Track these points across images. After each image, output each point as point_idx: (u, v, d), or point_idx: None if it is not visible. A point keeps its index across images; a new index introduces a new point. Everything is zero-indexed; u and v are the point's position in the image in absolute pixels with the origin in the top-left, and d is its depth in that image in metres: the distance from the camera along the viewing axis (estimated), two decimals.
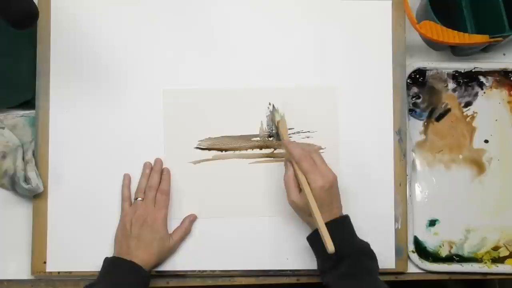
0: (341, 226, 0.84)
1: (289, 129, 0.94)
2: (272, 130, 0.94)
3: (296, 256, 0.93)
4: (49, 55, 0.94)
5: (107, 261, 0.88)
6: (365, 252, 0.84)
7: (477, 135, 0.98)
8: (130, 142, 0.94)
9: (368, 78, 0.95)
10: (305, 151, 0.85)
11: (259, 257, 0.93)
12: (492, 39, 0.89)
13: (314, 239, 0.84)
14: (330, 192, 0.83)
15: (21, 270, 0.94)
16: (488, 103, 0.99)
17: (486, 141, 0.98)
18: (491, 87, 0.99)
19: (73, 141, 0.94)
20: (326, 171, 0.84)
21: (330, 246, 0.79)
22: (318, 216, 0.81)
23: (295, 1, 0.96)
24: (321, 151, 0.92)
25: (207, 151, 0.94)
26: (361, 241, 0.85)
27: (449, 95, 0.99)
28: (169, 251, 0.91)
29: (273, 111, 0.92)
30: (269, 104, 0.94)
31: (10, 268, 0.94)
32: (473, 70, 0.98)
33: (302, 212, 0.85)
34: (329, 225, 0.81)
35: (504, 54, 1.01)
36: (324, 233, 0.80)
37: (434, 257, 0.95)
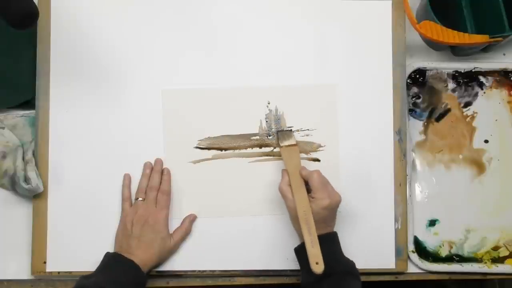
0: (330, 242, 0.84)
1: (289, 127, 0.94)
2: (271, 129, 0.94)
3: (296, 256, 0.93)
4: (49, 55, 0.94)
5: (108, 256, 0.88)
6: (351, 271, 0.84)
7: (477, 135, 0.98)
8: (130, 142, 0.94)
9: (368, 78, 0.95)
10: (316, 170, 0.86)
11: (259, 257, 0.93)
12: (492, 39, 0.89)
13: (302, 252, 0.83)
14: (333, 211, 0.85)
15: (21, 270, 0.94)
16: (488, 103, 0.99)
17: (486, 141, 0.98)
18: (491, 87, 0.99)
19: (73, 141, 0.94)
20: (333, 191, 0.85)
21: (317, 268, 0.79)
22: (307, 238, 0.81)
23: (295, 1, 0.96)
24: (320, 148, 0.93)
25: (206, 150, 0.94)
26: (347, 259, 0.85)
27: (449, 95, 0.99)
28: (170, 251, 0.92)
29: (285, 133, 0.92)
30: (268, 103, 0.94)
31: (10, 268, 0.94)
32: (473, 70, 0.98)
33: (298, 221, 0.84)
34: (321, 239, 0.81)
35: (504, 54, 1.01)
36: (312, 253, 0.81)
37: (434, 257, 0.95)
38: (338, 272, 0.82)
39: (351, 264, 0.84)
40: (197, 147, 0.94)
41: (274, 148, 0.94)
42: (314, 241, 0.81)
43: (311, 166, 0.94)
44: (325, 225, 0.84)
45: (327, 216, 0.84)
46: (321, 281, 0.81)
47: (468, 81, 0.99)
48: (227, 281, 0.94)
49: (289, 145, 0.91)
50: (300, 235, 0.85)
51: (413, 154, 0.97)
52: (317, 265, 0.80)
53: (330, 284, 0.81)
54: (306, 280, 0.84)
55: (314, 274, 0.80)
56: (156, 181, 0.92)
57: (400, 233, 0.94)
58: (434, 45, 0.99)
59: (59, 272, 0.92)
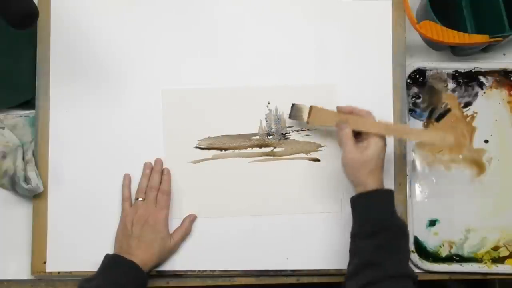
0: (389, 198, 0.84)
1: (288, 127, 0.94)
2: (271, 129, 0.94)
3: (296, 256, 0.93)
4: (49, 55, 0.94)
5: (108, 258, 0.88)
6: (404, 231, 0.83)
7: (477, 135, 0.98)
8: (130, 142, 0.94)
9: (368, 78, 0.95)
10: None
11: (259, 257, 0.93)
12: (492, 39, 0.89)
13: (358, 202, 0.83)
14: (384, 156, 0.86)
15: (21, 270, 0.94)
16: (488, 103, 0.99)
17: (486, 141, 0.98)
18: (491, 87, 0.99)
19: (73, 141, 0.94)
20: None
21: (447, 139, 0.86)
22: (411, 135, 0.89)
23: (295, 1, 0.96)
24: (320, 148, 0.93)
25: (206, 150, 0.94)
26: (400, 218, 0.84)
27: (449, 95, 0.99)
28: (170, 251, 0.92)
29: (294, 111, 0.91)
30: (268, 103, 0.94)
31: (10, 268, 0.94)
32: (473, 70, 0.98)
33: (362, 168, 0.83)
34: (381, 192, 0.82)
35: (504, 54, 1.01)
36: (428, 135, 0.89)
37: (434, 257, 0.95)
38: (392, 228, 0.81)
39: (404, 223, 0.84)
40: (197, 147, 0.94)
41: (274, 148, 0.94)
42: (415, 130, 0.90)
43: (311, 166, 0.94)
44: (379, 173, 0.84)
45: (383, 161, 0.84)
46: (374, 235, 0.80)
47: (468, 81, 0.99)
48: (227, 281, 0.94)
49: (309, 116, 0.90)
50: (357, 184, 0.84)
51: (413, 154, 0.97)
52: (444, 140, 0.86)
53: (382, 238, 0.80)
54: (357, 232, 0.83)
55: (367, 226, 0.81)
56: (156, 181, 0.92)
57: None
58: (434, 45, 0.99)
59: (59, 272, 0.92)
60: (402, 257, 0.81)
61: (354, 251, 0.83)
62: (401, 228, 0.83)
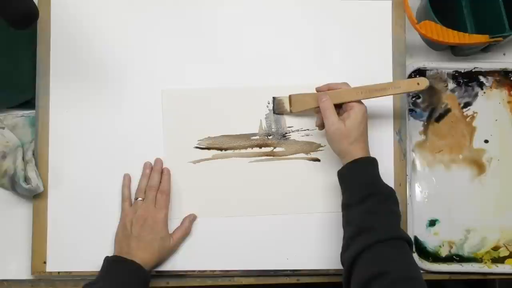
0: (374, 165, 0.84)
1: (289, 127, 0.94)
2: (271, 129, 0.94)
3: (296, 256, 0.93)
4: (49, 55, 0.94)
5: (108, 260, 0.87)
6: (392, 195, 0.83)
7: (477, 135, 0.98)
8: (130, 142, 0.94)
9: (368, 78, 0.94)
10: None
11: (259, 257, 0.93)
12: (492, 39, 0.89)
13: (345, 174, 0.84)
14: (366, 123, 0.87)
15: (21, 270, 0.94)
16: (488, 103, 0.99)
17: (486, 141, 0.98)
18: (491, 87, 0.99)
19: (73, 141, 0.94)
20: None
21: (422, 83, 0.86)
22: (388, 90, 0.87)
23: (295, 1, 0.96)
24: (320, 148, 0.94)
25: (206, 150, 0.94)
26: (388, 185, 0.84)
27: (449, 95, 0.99)
28: (170, 251, 0.91)
29: (278, 101, 0.93)
30: (268, 103, 0.94)
31: (10, 268, 0.94)
32: (473, 70, 0.98)
33: (346, 138, 0.84)
34: (365, 159, 0.83)
35: (504, 54, 1.01)
36: (402, 83, 0.88)
37: (434, 257, 0.95)
38: (380, 193, 0.82)
39: (392, 190, 0.84)
40: (197, 147, 0.94)
41: (274, 148, 0.94)
42: (390, 84, 0.88)
43: (311, 166, 0.94)
44: (365, 140, 0.85)
45: (365, 129, 0.86)
46: (364, 200, 0.80)
47: (468, 81, 0.99)
48: (227, 281, 0.94)
49: (290, 104, 0.92)
50: (343, 156, 0.85)
51: (413, 154, 0.97)
52: (419, 84, 0.86)
53: (373, 202, 0.80)
54: (347, 201, 0.83)
55: (357, 193, 0.81)
56: (156, 180, 0.92)
57: None
58: (434, 45, 0.99)
59: (59, 272, 0.92)
60: (393, 220, 0.81)
61: (345, 223, 0.83)
62: (389, 192, 0.83)
